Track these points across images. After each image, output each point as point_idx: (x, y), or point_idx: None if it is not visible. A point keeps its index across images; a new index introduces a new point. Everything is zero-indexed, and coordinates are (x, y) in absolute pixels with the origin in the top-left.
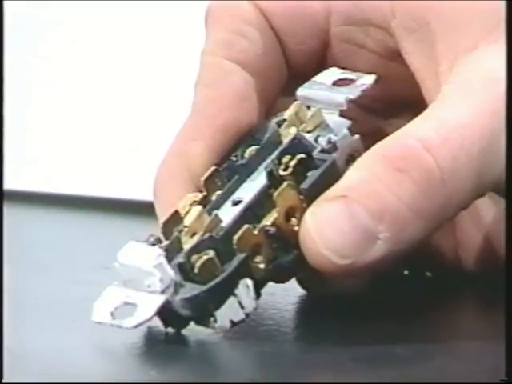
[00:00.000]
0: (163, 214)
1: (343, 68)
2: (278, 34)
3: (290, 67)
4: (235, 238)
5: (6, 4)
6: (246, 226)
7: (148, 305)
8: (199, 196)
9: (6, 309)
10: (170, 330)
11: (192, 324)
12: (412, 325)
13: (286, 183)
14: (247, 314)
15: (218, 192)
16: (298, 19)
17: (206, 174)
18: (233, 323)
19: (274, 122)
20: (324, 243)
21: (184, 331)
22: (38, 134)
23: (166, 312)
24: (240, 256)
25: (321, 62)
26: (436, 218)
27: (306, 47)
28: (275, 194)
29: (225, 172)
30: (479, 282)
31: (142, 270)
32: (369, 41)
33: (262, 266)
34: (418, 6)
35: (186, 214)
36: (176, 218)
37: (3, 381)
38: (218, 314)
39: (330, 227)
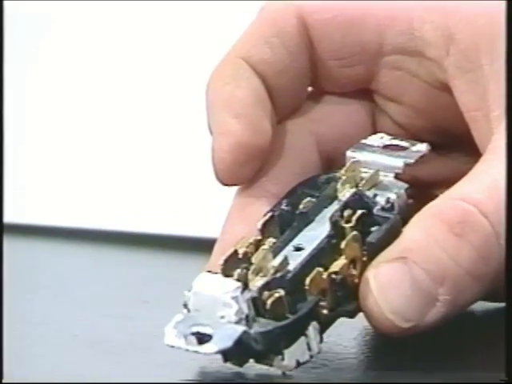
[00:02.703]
0: (222, 253)
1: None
2: (321, 56)
3: (329, 86)
4: (308, 279)
5: (5, 4)
6: (317, 269)
7: (226, 334)
8: (255, 239)
9: (45, 345)
10: (229, 365)
11: (251, 361)
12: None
13: (353, 234)
14: (311, 356)
15: (271, 238)
16: (346, 44)
17: (263, 220)
18: (298, 363)
19: (323, 177)
20: (389, 307)
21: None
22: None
23: (234, 345)
24: (313, 298)
25: (364, 87)
26: (492, 280)
27: (352, 71)
28: (343, 243)
29: (278, 219)
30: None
31: (218, 300)
32: (421, 70)
33: (325, 311)
34: (472, 49)
35: (245, 254)
36: (234, 257)
37: (3, 381)
38: (287, 352)
39: (394, 291)
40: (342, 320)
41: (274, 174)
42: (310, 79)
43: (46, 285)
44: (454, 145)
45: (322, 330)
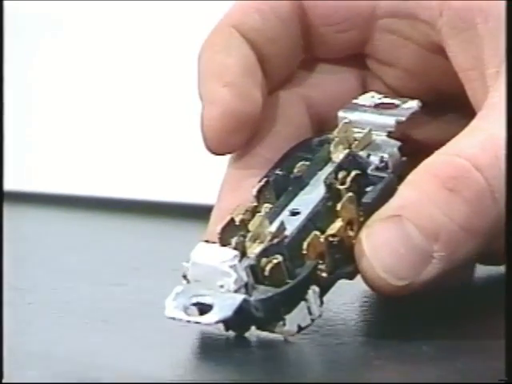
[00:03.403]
0: (219, 221)
1: (383, 94)
2: (313, 22)
3: (321, 53)
4: (305, 243)
5: (5, 4)
6: (314, 233)
7: (226, 303)
8: (251, 206)
9: (36, 312)
10: (231, 333)
11: (253, 329)
12: (412, 325)
13: (348, 196)
14: (313, 320)
15: (267, 204)
16: (340, 9)
17: (258, 186)
18: (300, 328)
19: (316, 140)
20: (381, 266)
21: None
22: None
23: (235, 313)
24: (312, 262)
25: (358, 52)
26: (488, 235)
27: (346, 36)
28: (339, 205)
29: (273, 184)
30: (479, 282)
31: (217, 269)
32: (415, 33)
33: (324, 274)
34: (466, 8)
35: (242, 221)
36: (232, 225)
37: (3, 381)
38: (288, 318)
39: (387, 250)
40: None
41: (267, 139)
42: (302, 47)
43: (33, 252)
44: (448, 106)
45: (321, 294)
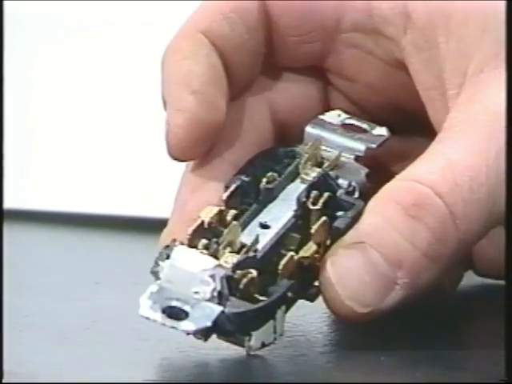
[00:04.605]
0: (181, 220)
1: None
2: (278, 31)
3: (283, 61)
4: (282, 263)
5: (5, 4)
6: (290, 254)
7: (204, 313)
8: (218, 210)
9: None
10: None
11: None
12: (413, 324)
13: (323, 220)
14: (275, 338)
15: (233, 210)
16: (305, 21)
17: (229, 192)
18: (263, 345)
19: (282, 151)
20: (347, 294)
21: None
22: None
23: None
24: (287, 283)
25: (320, 64)
26: (450, 260)
27: (309, 47)
28: (313, 228)
29: (239, 190)
30: (479, 282)
31: (196, 276)
32: (378, 49)
33: (290, 294)
34: (429, 27)
35: (210, 224)
36: (201, 228)
37: (3, 381)
38: (255, 334)
39: (352, 277)
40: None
41: (230, 144)
42: (265, 54)
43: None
44: (409, 124)
45: (285, 312)
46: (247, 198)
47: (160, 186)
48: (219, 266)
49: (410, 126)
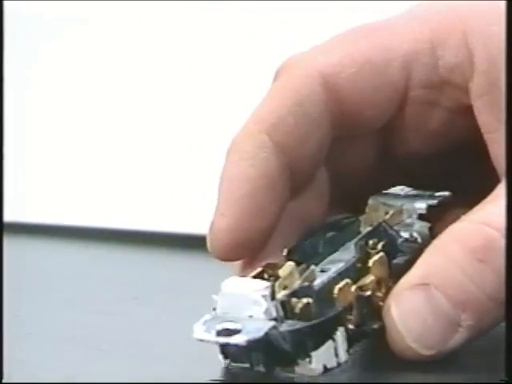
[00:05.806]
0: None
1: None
2: (349, 108)
3: (350, 131)
4: (336, 288)
5: (5, 4)
6: (346, 280)
7: (256, 326)
8: (278, 264)
9: (34, 344)
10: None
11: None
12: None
13: (380, 255)
14: (339, 364)
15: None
16: (377, 91)
17: (289, 247)
18: (325, 369)
19: (345, 219)
20: (411, 336)
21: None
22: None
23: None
24: (342, 304)
25: (389, 122)
26: None
27: (379, 114)
28: (371, 261)
29: (300, 250)
30: None
31: (248, 298)
32: (443, 98)
33: (351, 326)
34: (492, 70)
35: (270, 275)
36: (260, 276)
37: (3, 381)
38: (315, 355)
39: (415, 319)
40: None
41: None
42: (331, 137)
43: (33, 282)
44: (465, 169)
45: (349, 344)
46: (307, 259)
47: (199, 203)
48: (272, 287)
49: (466, 172)
